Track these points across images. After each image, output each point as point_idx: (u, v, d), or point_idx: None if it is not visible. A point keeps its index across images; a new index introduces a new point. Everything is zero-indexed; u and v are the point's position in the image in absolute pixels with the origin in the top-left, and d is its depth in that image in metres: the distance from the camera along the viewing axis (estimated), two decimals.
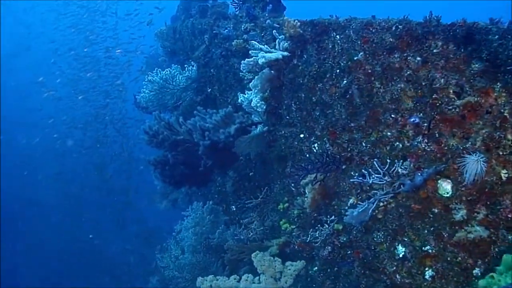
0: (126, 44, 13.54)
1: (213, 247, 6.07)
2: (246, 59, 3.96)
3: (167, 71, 5.99)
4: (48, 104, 16.48)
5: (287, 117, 4.19)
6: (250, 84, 4.14)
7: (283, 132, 4.33)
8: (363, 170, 3.14)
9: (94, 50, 14.75)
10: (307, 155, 3.99)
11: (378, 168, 3.00)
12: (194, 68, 6.18)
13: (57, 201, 15.67)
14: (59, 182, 15.57)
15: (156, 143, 4.36)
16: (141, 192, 12.60)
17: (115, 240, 13.75)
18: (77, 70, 14.78)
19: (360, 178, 3.09)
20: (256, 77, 4.15)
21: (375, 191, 3.16)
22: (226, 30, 4.80)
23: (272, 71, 4.15)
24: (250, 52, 4.02)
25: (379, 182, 3.05)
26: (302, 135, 4.05)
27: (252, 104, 4.13)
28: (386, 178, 3.03)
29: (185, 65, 6.18)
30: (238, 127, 4.27)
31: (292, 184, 4.39)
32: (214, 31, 5.45)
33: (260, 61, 3.74)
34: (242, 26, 4.67)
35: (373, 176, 3.05)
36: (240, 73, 4.71)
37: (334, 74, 3.49)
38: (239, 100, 4.30)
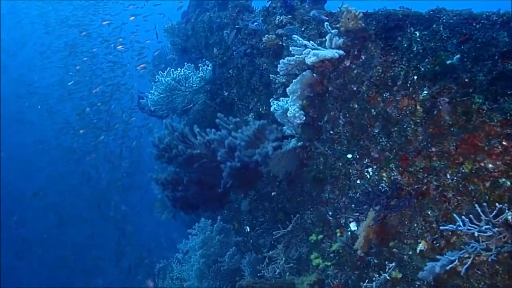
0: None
1: (223, 272, 5.15)
2: (286, 58, 3.04)
3: (180, 71, 5.07)
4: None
5: (331, 131, 3.27)
6: (288, 89, 3.22)
7: (322, 149, 3.42)
8: (455, 215, 2.21)
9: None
10: (357, 181, 3.07)
11: (480, 213, 2.09)
12: (209, 68, 5.25)
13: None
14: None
15: (168, 159, 3.42)
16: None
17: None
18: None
19: (452, 225, 2.17)
20: (294, 80, 3.23)
21: (470, 242, 2.24)
22: (255, 24, 3.88)
23: (314, 74, 3.23)
24: (291, 49, 3.10)
25: (479, 232, 2.14)
26: (350, 156, 3.13)
27: (289, 114, 3.21)
28: (488, 227, 2.12)
29: (200, 65, 5.25)
30: (276, 146, 3.34)
31: (330, 213, 3.47)
32: (236, 26, 4.52)
33: (310, 60, 2.82)
34: (276, 18, 3.74)
35: (467, 223, 2.14)
36: (271, 76, 3.79)
37: (409, 82, 2.57)
38: (272, 109, 3.37)
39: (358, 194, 3.10)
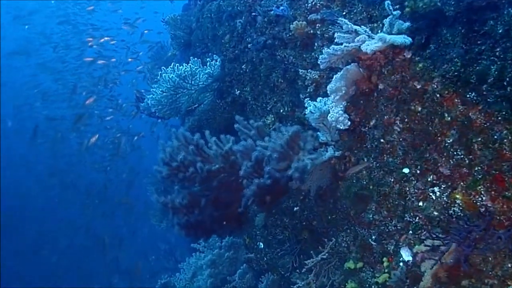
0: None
1: None
2: (332, 46, 2.34)
3: (186, 67, 4.36)
4: None
5: (381, 139, 2.60)
6: (329, 86, 2.53)
7: (366, 160, 2.74)
8: None
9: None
10: (418, 203, 2.40)
11: None
12: (217, 63, 4.55)
13: None
14: None
15: (182, 179, 2.71)
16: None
17: None
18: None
19: None
20: (337, 76, 2.54)
21: None
22: (281, 8, 3.17)
23: (361, 69, 2.55)
24: (336, 36, 2.41)
25: None
26: (407, 170, 2.46)
27: (330, 118, 2.52)
28: None
29: (207, 59, 4.55)
30: (314, 158, 2.66)
31: (374, 237, 2.80)
32: (253, 13, 3.82)
33: (371, 46, 2.13)
34: (308, 1, 3.05)
35: None
36: (300, 71, 3.10)
37: (507, 79, 1.89)
38: (308, 111, 2.67)
39: (418, 218, 2.43)
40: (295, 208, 3.63)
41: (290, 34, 3.26)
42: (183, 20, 5.61)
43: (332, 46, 2.35)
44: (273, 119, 3.61)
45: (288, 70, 3.29)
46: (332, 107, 2.52)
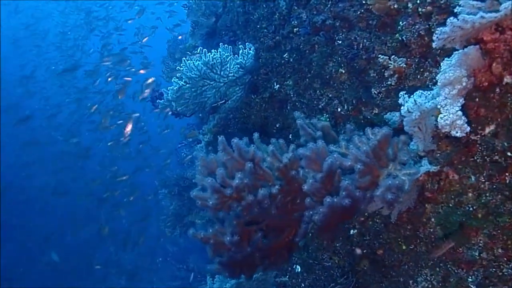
0: None
1: None
2: (462, 16, 1.55)
3: (215, 53, 3.59)
4: None
5: (508, 152, 1.82)
6: (441, 77, 1.74)
7: (474, 180, 1.97)
8: None
9: None
10: None
11: None
12: (251, 51, 3.77)
13: None
14: None
15: (238, 212, 1.95)
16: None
17: None
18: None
19: None
20: (450, 62, 1.76)
21: None
22: None
23: (480, 51, 1.78)
24: (457, 10, 1.63)
25: None
26: None
27: (442, 121, 1.73)
28: None
29: (240, 46, 3.77)
30: (412, 172, 1.88)
31: (475, 282, 2.03)
32: None
33: None
34: None
35: None
36: (380, 57, 2.31)
37: None
38: (404, 109, 1.88)
39: None
40: (351, 231, 2.84)
41: (361, 11, 2.48)
42: (208, 4, 4.83)
43: (462, 15, 1.57)
44: (327, 119, 2.83)
45: (357, 58, 2.50)
46: (445, 105, 1.73)
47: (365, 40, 2.44)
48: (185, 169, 5.94)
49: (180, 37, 5.64)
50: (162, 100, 3.97)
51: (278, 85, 3.52)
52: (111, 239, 11.37)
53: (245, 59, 3.78)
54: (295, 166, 2.14)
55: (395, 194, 1.79)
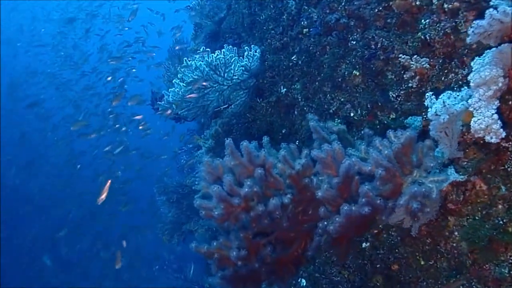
0: None
1: None
2: (503, 7, 1.39)
3: (219, 54, 3.42)
4: None
5: None
6: (474, 77, 1.57)
7: (504, 190, 1.79)
8: None
9: None
10: None
11: None
12: (256, 54, 3.61)
13: None
14: None
15: (242, 221, 1.77)
16: None
17: None
18: None
19: None
20: (483, 60, 1.59)
21: None
22: None
23: None
24: (494, 2, 1.47)
25: None
26: None
27: (476, 125, 1.56)
28: None
29: (245, 47, 3.61)
30: (439, 180, 1.71)
31: None
32: None
33: None
34: None
35: None
36: (401, 57, 2.15)
37: None
38: (432, 111, 1.70)
39: None
40: (364, 244, 2.66)
41: (379, 9, 2.32)
42: (212, 6, 4.68)
43: (503, 7, 1.41)
44: (339, 123, 2.65)
45: (373, 58, 2.33)
46: (479, 107, 1.56)
47: (383, 39, 2.28)
48: (185, 175, 5.74)
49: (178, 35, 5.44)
50: (163, 102, 3.79)
51: (285, 89, 3.35)
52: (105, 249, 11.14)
53: (251, 61, 3.62)
54: (308, 173, 1.96)
55: (421, 204, 1.62)
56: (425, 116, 2.07)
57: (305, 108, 3.16)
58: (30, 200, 13.65)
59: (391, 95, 2.30)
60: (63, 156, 12.60)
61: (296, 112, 3.30)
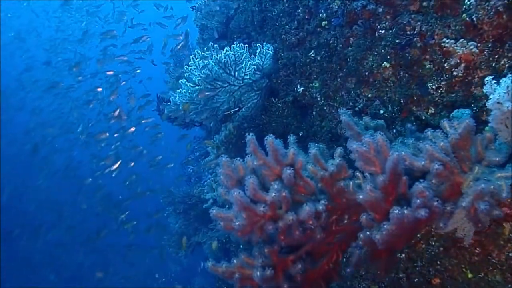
0: None
1: None
2: None
3: (228, 50, 3.18)
4: None
5: None
6: None
7: None
8: None
9: None
10: None
11: None
12: (269, 52, 3.36)
13: None
14: None
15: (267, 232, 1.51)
16: None
17: None
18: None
19: None
20: None
21: None
22: None
23: None
24: None
25: None
26: None
27: None
28: None
29: (257, 45, 3.37)
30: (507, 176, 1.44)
31: None
32: None
33: None
34: None
35: None
36: (445, 41, 1.89)
37: None
38: (493, 99, 1.43)
39: None
40: (398, 255, 2.37)
41: None
42: (220, 5, 4.45)
43: None
44: (375, 120, 2.39)
45: (408, 46, 2.07)
46: None
47: (420, 24, 2.02)
48: (192, 185, 5.47)
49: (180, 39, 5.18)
50: (169, 103, 3.54)
51: (302, 88, 3.09)
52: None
53: (263, 60, 3.37)
54: (343, 176, 1.70)
55: (490, 203, 1.35)
56: (475, 109, 1.80)
57: (325, 108, 2.90)
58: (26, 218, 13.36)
59: (429, 87, 2.04)
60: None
61: (314, 113, 3.03)
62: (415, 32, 2.03)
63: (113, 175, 6.36)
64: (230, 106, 3.58)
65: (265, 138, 1.56)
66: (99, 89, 6.37)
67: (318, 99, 2.95)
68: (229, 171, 1.62)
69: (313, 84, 2.99)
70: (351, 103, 2.58)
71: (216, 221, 1.65)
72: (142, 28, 7.72)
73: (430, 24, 2.00)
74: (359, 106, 2.52)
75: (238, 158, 1.64)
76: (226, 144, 3.77)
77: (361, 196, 1.46)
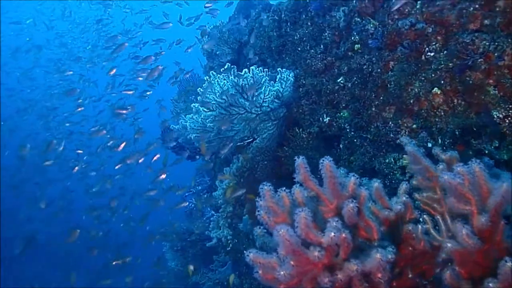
0: None
1: None
2: None
3: (247, 72, 2.91)
4: None
5: None
6: None
7: None
8: None
9: None
10: None
11: None
12: (290, 78, 3.10)
13: None
14: None
15: None
16: None
17: None
18: None
19: None
20: None
21: None
22: None
23: None
24: None
25: None
26: None
27: None
28: None
29: (278, 69, 3.11)
30: None
31: None
32: None
33: None
34: None
35: None
36: None
37: None
38: None
39: None
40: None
41: (475, 7, 1.82)
42: (233, 31, 4.22)
43: None
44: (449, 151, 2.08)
45: (469, 69, 1.80)
46: None
47: (485, 43, 1.75)
48: (192, 221, 5.07)
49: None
50: (177, 126, 3.22)
51: (328, 118, 2.80)
52: None
53: (283, 86, 3.10)
54: (410, 217, 1.38)
55: None
56: None
57: (355, 140, 2.60)
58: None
59: (495, 115, 1.75)
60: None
61: (342, 145, 2.73)
62: (480, 51, 1.76)
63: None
64: (245, 135, 3.28)
65: (321, 161, 1.24)
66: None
67: (348, 130, 2.66)
68: (272, 203, 1.29)
69: (342, 113, 2.70)
70: (391, 135, 2.29)
71: (254, 268, 1.30)
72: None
73: (497, 43, 1.74)
74: (402, 134, 2.22)
75: (284, 188, 1.32)
76: (237, 178, 3.44)
77: (449, 245, 1.13)
